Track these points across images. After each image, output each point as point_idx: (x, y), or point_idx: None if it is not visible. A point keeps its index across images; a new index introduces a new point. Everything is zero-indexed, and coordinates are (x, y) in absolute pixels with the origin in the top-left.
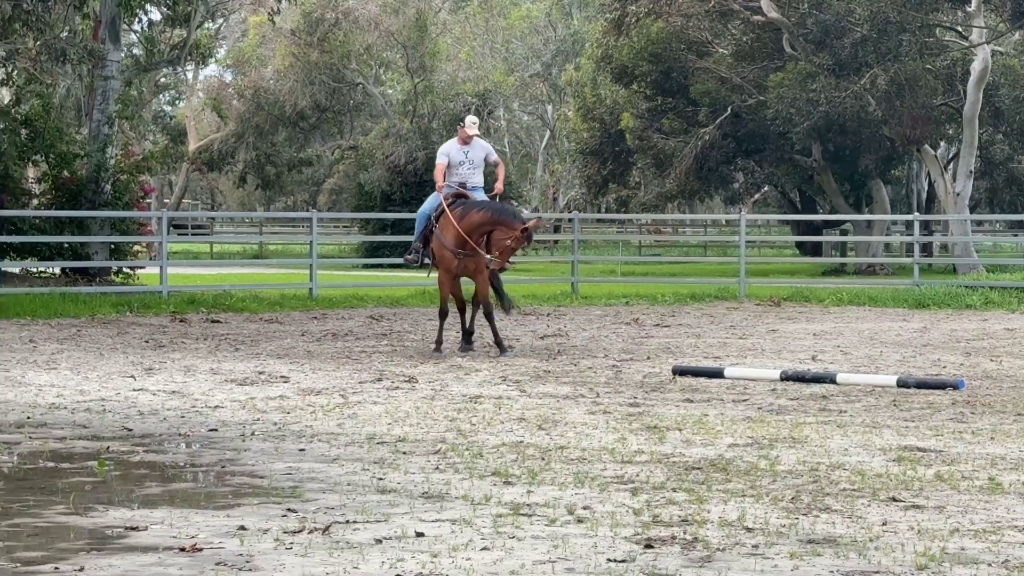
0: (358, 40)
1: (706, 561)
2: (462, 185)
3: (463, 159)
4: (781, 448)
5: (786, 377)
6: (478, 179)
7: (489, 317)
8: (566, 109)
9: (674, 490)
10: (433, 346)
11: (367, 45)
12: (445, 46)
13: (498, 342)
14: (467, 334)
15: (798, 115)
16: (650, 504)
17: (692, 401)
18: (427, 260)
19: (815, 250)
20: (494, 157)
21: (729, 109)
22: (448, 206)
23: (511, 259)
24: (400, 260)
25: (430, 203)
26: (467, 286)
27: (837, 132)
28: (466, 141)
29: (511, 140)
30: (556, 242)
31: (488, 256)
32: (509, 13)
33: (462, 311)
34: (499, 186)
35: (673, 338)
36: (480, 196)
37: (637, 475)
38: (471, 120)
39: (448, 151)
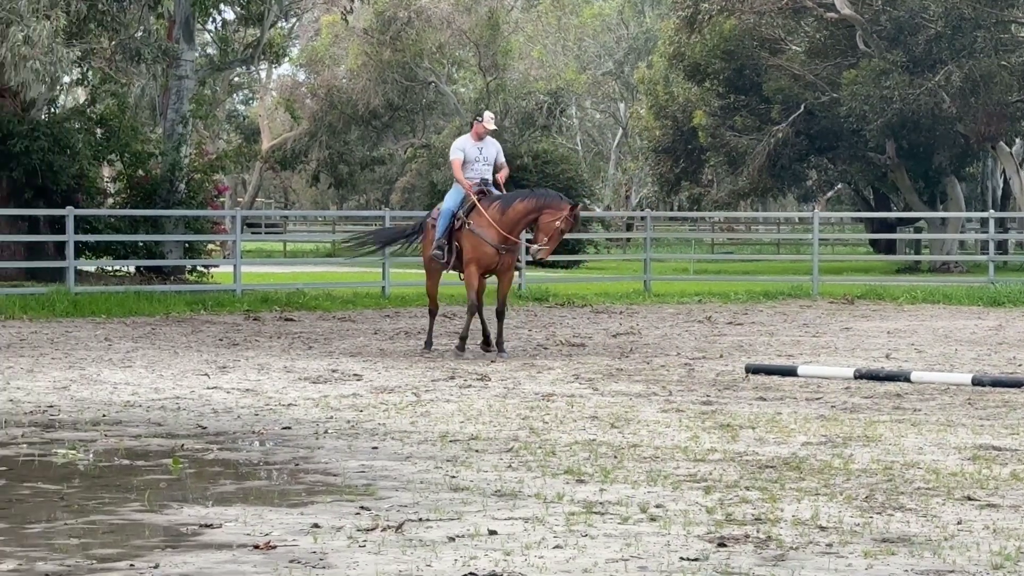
0: (430, 39)
1: (780, 560)
2: (483, 182)
3: (478, 155)
4: (855, 447)
5: (860, 375)
6: (490, 177)
7: (502, 316)
8: (638, 107)
9: (747, 488)
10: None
11: (439, 44)
12: (517, 44)
13: (500, 342)
14: (487, 337)
15: (872, 112)
16: (723, 502)
17: (765, 399)
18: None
19: (889, 248)
20: (502, 159)
21: (802, 106)
22: (479, 201)
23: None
24: None
25: (453, 199)
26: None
27: (911, 129)
28: (480, 137)
29: (583, 138)
30: (629, 240)
31: (535, 245)
32: (581, 11)
33: (481, 311)
34: (502, 183)
35: (746, 336)
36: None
37: (710, 473)
38: (489, 116)
39: (463, 147)
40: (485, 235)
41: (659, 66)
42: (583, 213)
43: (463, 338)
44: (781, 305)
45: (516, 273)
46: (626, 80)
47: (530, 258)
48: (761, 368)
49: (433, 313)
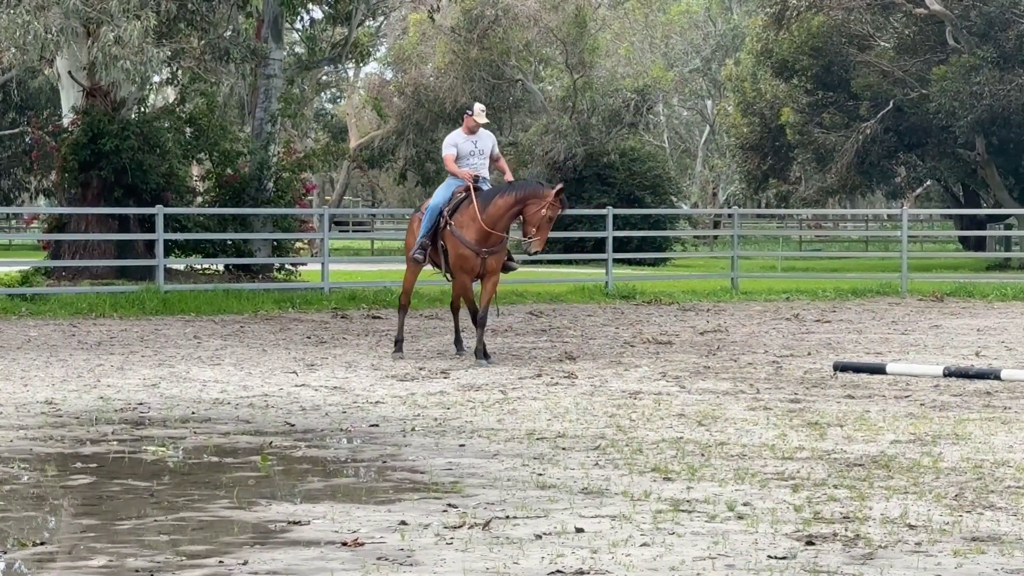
0: (517, 37)
1: (868, 558)
2: (478, 178)
3: (472, 149)
4: (944, 445)
5: (949, 373)
6: (486, 171)
7: (483, 324)
8: (726, 104)
9: (835, 487)
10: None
11: (526, 41)
12: (604, 42)
13: (480, 349)
14: (460, 340)
15: (961, 108)
16: (811, 501)
17: (853, 397)
18: (429, 260)
19: (979, 245)
20: (497, 151)
21: (891, 103)
22: (463, 200)
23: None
24: (560, 256)
25: (441, 196)
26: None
27: (1001, 125)
28: (473, 130)
29: (670, 136)
30: (716, 237)
31: (526, 239)
32: (668, 8)
33: (470, 313)
34: (509, 176)
35: (834, 334)
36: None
37: (798, 471)
38: (479, 108)
39: (456, 141)
40: (463, 237)
41: (747, 63)
42: (668, 211)
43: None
44: (869, 302)
45: (501, 275)
46: (713, 77)
47: (525, 255)
48: (849, 366)
49: (404, 309)
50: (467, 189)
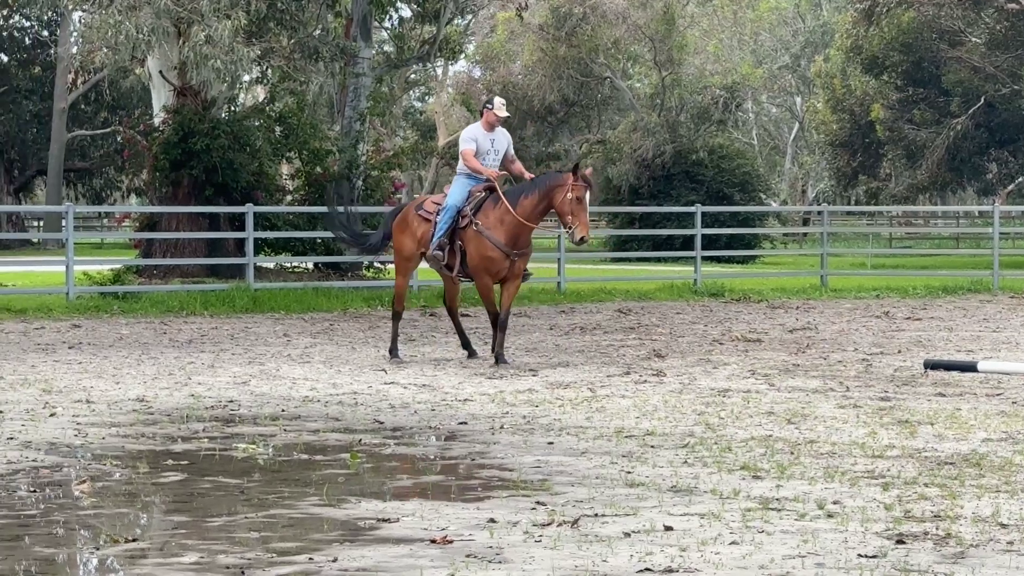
0: (605, 34)
1: (959, 557)
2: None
3: (489, 147)
4: None
5: None
6: (497, 170)
7: (504, 327)
8: (815, 101)
9: (926, 485)
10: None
11: (615, 39)
12: (693, 39)
13: (499, 353)
14: (469, 342)
15: None
16: (901, 499)
17: (944, 395)
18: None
19: None
20: (512, 152)
21: (982, 99)
22: (484, 201)
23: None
24: (649, 254)
25: (459, 194)
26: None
27: None
28: (492, 126)
29: (759, 133)
30: (805, 235)
31: (567, 230)
32: (758, 5)
33: (490, 316)
34: (529, 175)
35: (925, 331)
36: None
37: (888, 470)
38: (500, 102)
39: (475, 136)
40: (493, 237)
41: (836, 59)
42: (757, 208)
43: (465, 343)
44: (960, 300)
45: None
46: (802, 74)
47: (574, 243)
48: (940, 364)
49: (398, 316)
50: (489, 188)
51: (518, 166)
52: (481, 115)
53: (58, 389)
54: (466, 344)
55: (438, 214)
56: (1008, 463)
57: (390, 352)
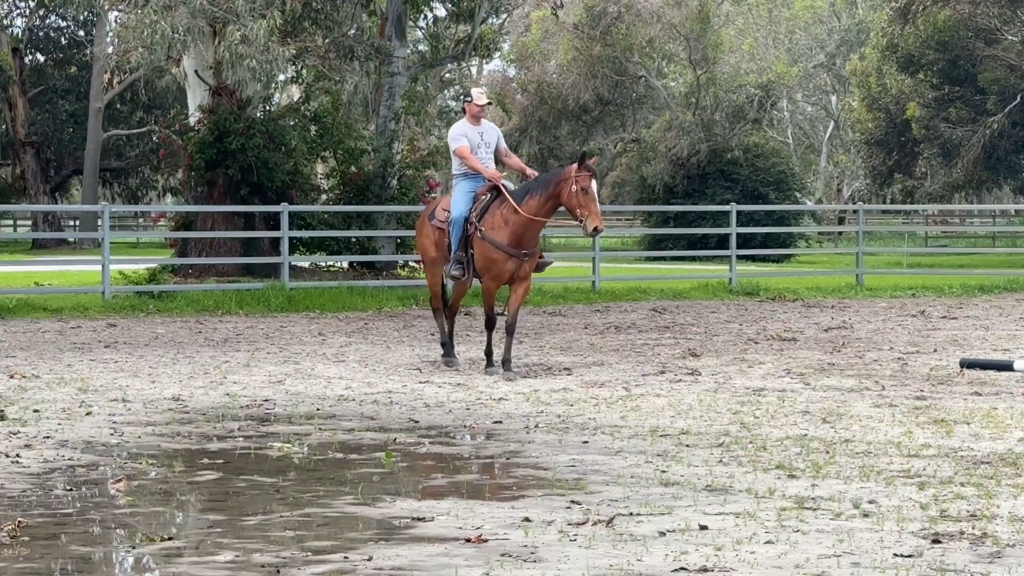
0: (640, 33)
1: (996, 557)
2: None
3: (479, 141)
4: None
5: None
6: (493, 166)
7: (512, 331)
8: (850, 99)
9: (962, 484)
10: (485, 362)
11: (649, 38)
12: (728, 37)
13: (507, 359)
14: (453, 347)
15: None
16: (937, 499)
17: (980, 394)
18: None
19: None
20: (504, 144)
21: (1019, 97)
22: (490, 203)
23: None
24: (684, 253)
25: (463, 204)
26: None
27: None
28: (477, 118)
29: (794, 131)
30: (840, 234)
31: (581, 222)
32: (793, 3)
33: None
34: (531, 171)
35: (961, 330)
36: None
37: (924, 469)
38: (478, 91)
39: (464, 132)
40: (496, 240)
41: (871, 58)
42: (792, 207)
43: (488, 353)
44: (997, 299)
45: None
46: (838, 72)
47: (587, 235)
48: (976, 363)
49: (438, 311)
50: (493, 189)
51: (515, 160)
52: (463, 111)
53: (94, 388)
54: (447, 345)
55: (448, 223)
56: None
57: (444, 349)
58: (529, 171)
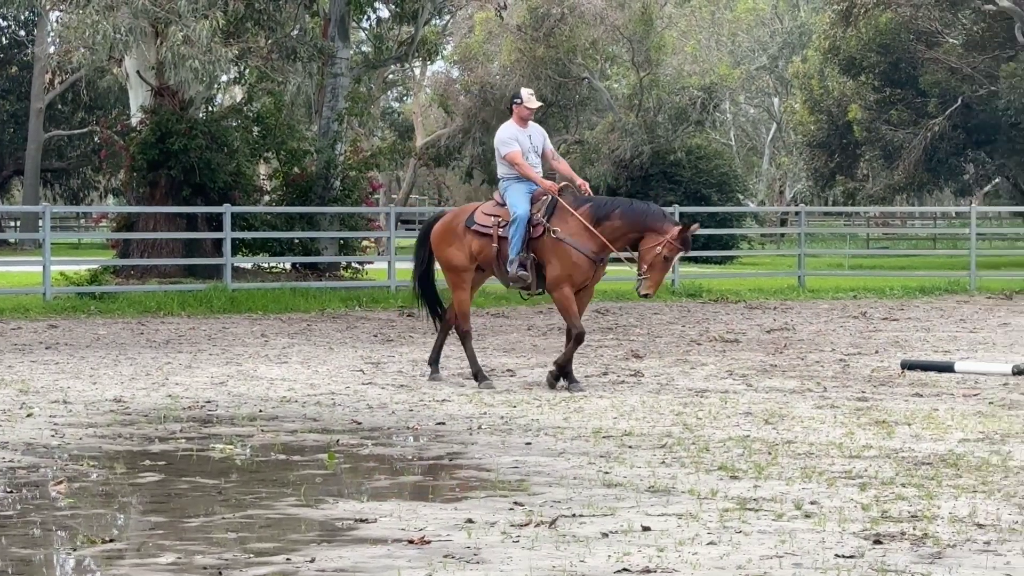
0: (584, 35)
1: (936, 557)
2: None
3: (529, 146)
4: (1013, 443)
5: (1019, 371)
6: (540, 171)
7: (580, 340)
8: (792, 101)
9: (903, 486)
10: (564, 383)
11: (592, 40)
12: (671, 39)
13: (568, 372)
14: (438, 360)
15: None
16: (879, 499)
17: (921, 395)
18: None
19: None
20: (551, 147)
21: (959, 100)
22: (555, 206)
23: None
24: (627, 254)
25: (524, 202)
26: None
27: None
28: (525, 121)
29: (737, 133)
30: (783, 235)
31: (639, 277)
32: (735, 6)
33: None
34: (582, 182)
35: (902, 332)
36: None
37: (865, 470)
38: (528, 92)
39: (515, 135)
40: (579, 243)
41: (814, 60)
42: (734, 209)
43: (565, 373)
44: (937, 300)
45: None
46: (780, 75)
47: (637, 293)
48: (917, 364)
49: (468, 335)
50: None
51: (564, 165)
52: (510, 111)
53: (35, 390)
54: (436, 361)
55: (500, 227)
56: (985, 463)
57: (474, 376)
58: (579, 180)
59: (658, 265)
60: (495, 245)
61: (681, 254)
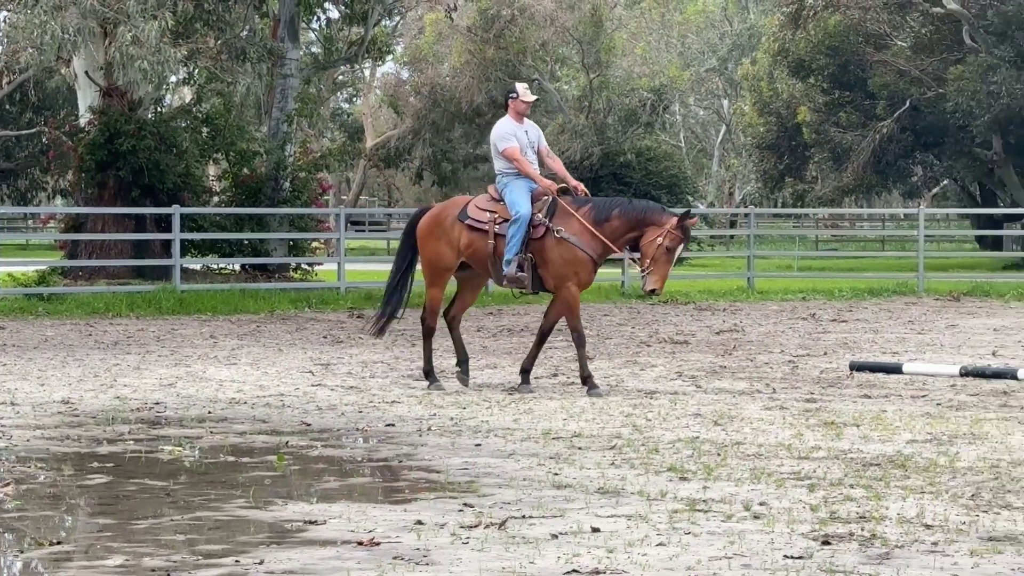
0: (534, 36)
1: (884, 558)
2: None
3: (527, 142)
4: (961, 444)
5: (966, 373)
6: (538, 168)
7: (583, 342)
8: (742, 103)
9: (852, 486)
10: (589, 384)
11: (543, 41)
12: (621, 41)
13: (587, 375)
14: (464, 358)
15: (978, 108)
16: (827, 500)
17: (870, 397)
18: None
19: (996, 244)
20: (545, 144)
21: (908, 102)
22: (556, 206)
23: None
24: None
25: (527, 201)
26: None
27: (1018, 124)
28: (521, 117)
29: (687, 135)
30: (732, 237)
31: (642, 273)
32: (685, 8)
33: (540, 336)
34: (575, 182)
35: (850, 333)
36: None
37: (814, 471)
38: (523, 87)
39: (513, 131)
40: (582, 243)
41: (763, 62)
42: (684, 210)
43: (587, 377)
44: (886, 302)
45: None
46: (730, 77)
47: (643, 292)
48: (866, 365)
49: (431, 332)
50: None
51: (558, 164)
52: (505, 107)
53: None
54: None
55: (496, 223)
56: (933, 464)
57: (425, 375)
58: (573, 181)
59: (661, 257)
60: (491, 242)
61: (682, 245)
